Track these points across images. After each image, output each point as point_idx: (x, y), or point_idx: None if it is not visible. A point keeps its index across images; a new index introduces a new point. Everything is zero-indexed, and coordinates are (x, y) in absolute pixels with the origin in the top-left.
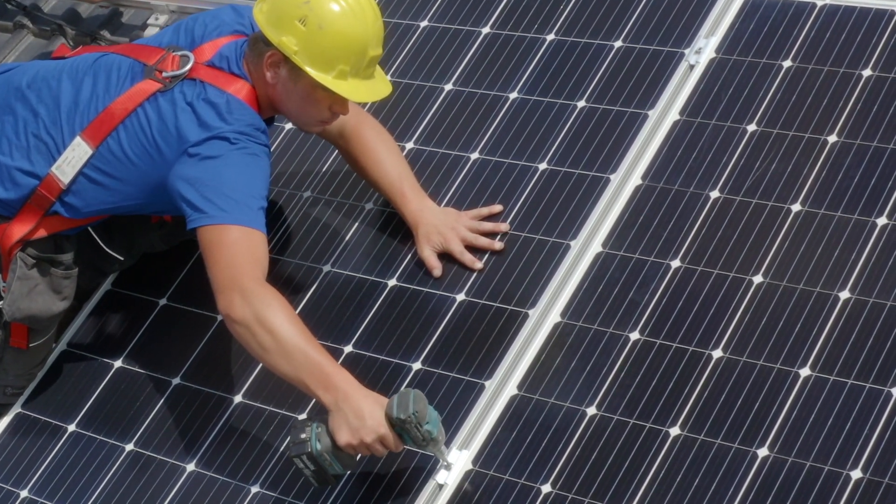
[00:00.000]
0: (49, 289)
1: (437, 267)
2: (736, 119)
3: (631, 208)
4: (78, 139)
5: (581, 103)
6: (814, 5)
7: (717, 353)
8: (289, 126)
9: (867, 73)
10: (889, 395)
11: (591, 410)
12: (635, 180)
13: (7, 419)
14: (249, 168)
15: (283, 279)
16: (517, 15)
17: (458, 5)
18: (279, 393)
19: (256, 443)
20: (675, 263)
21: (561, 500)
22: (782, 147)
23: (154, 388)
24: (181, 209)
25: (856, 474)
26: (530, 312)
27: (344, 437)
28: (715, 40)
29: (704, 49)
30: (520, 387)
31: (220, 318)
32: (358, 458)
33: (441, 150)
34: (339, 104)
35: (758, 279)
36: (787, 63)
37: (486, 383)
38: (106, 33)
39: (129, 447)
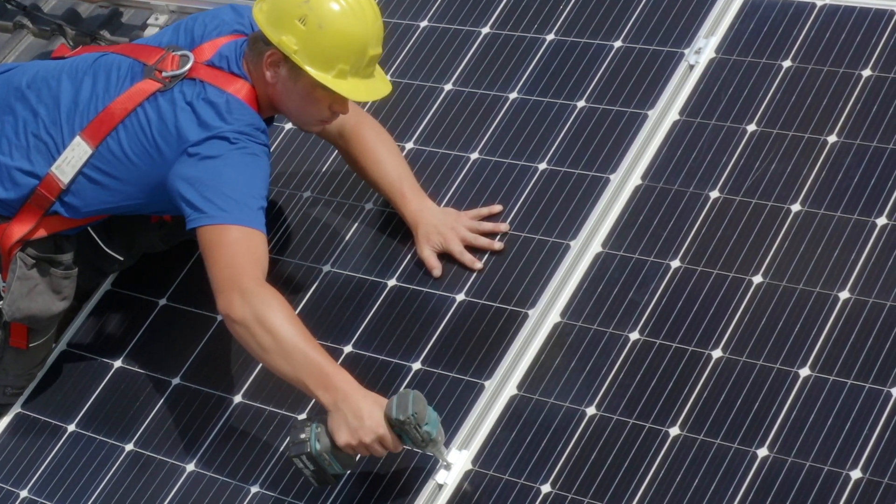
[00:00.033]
0: (49, 289)
1: (436, 267)
2: (736, 119)
3: (631, 208)
4: (78, 139)
5: (581, 103)
6: (813, 5)
7: (716, 353)
8: (289, 126)
9: (867, 73)
10: (889, 395)
11: (591, 410)
12: (635, 180)
13: (7, 419)
14: (249, 168)
15: (283, 279)
16: (517, 15)
17: (458, 5)
18: (279, 393)
19: (256, 443)
20: (675, 263)
21: (560, 500)
22: (782, 147)
23: (154, 388)
24: (181, 209)
25: (855, 474)
26: (530, 312)
27: (343, 438)
28: (715, 40)
29: (704, 49)
30: (519, 387)
31: (219, 318)
32: (357, 458)
33: (441, 150)
34: (338, 103)
35: (757, 279)
36: (786, 63)
37: (486, 383)
38: (106, 33)
39: (129, 447)
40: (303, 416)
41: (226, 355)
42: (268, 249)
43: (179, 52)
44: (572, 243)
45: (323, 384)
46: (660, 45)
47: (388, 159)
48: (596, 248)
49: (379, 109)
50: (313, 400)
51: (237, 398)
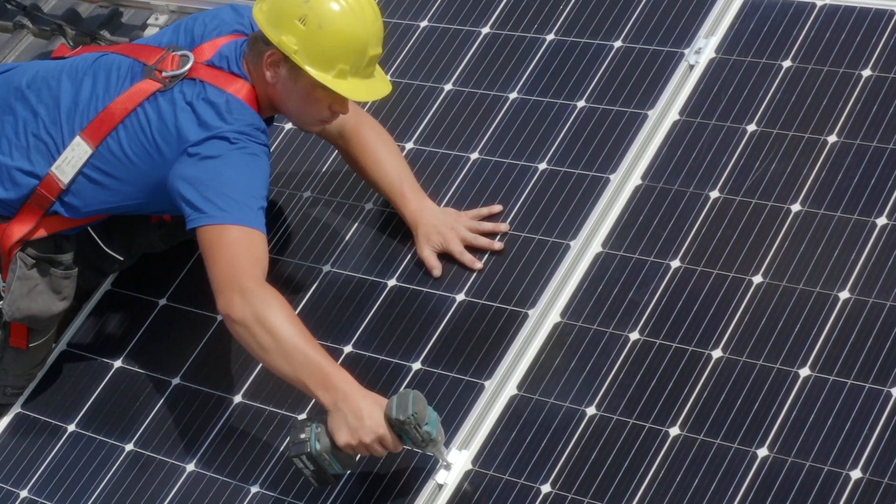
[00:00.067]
0: (49, 289)
1: (436, 267)
2: (736, 119)
3: (631, 208)
4: (78, 139)
5: (581, 103)
6: (813, 5)
7: (716, 353)
8: (289, 126)
9: (867, 73)
10: (889, 395)
11: (591, 410)
12: (635, 180)
13: (7, 419)
14: (249, 168)
15: (283, 279)
16: (517, 15)
17: (458, 5)
18: (279, 393)
19: (256, 443)
20: (675, 263)
21: (560, 499)
22: (782, 147)
23: (154, 388)
24: (181, 209)
25: (855, 474)
26: (530, 312)
27: (343, 438)
28: (715, 40)
29: (704, 49)
30: (519, 387)
31: (219, 318)
32: (357, 458)
33: (441, 150)
34: (338, 103)
35: (757, 279)
36: (786, 63)
37: (486, 383)
38: (106, 33)
39: (129, 447)
40: (303, 416)
41: (226, 355)
42: (268, 249)
43: (179, 52)
44: (572, 243)
45: (323, 384)
46: (660, 45)
47: (388, 159)
48: (596, 248)
49: (379, 109)
50: (313, 400)
51: (237, 398)
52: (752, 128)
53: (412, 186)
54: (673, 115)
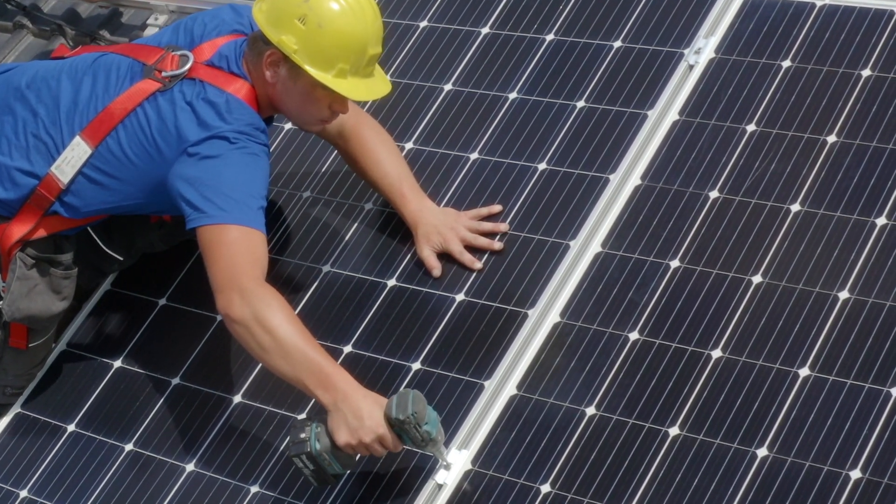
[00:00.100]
0: (48, 289)
1: (436, 267)
2: (735, 119)
3: (630, 208)
4: (77, 139)
5: (580, 103)
6: (813, 5)
7: (716, 353)
8: (288, 126)
9: (866, 73)
10: (888, 395)
11: (591, 410)
12: (634, 180)
13: (7, 419)
14: (249, 167)
15: (283, 279)
16: (517, 15)
17: (458, 5)
18: (278, 393)
19: (256, 443)
20: (675, 263)
21: (560, 499)
22: (781, 147)
23: (153, 388)
24: (181, 209)
25: (855, 474)
26: (529, 312)
27: (343, 437)
28: (714, 40)
29: (704, 49)
30: (519, 387)
31: (219, 318)
32: (357, 457)
33: (440, 150)
34: (338, 103)
35: (757, 279)
36: (786, 63)
37: (486, 383)
38: (105, 33)
39: (129, 447)
40: (302, 416)
41: (225, 355)
42: (267, 249)
43: (179, 52)
44: (572, 243)
45: (323, 384)
46: (659, 45)
47: (387, 159)
48: (595, 248)
49: (379, 109)
50: (313, 400)
51: (237, 398)
52: (751, 128)
53: (412, 186)
54: (672, 115)
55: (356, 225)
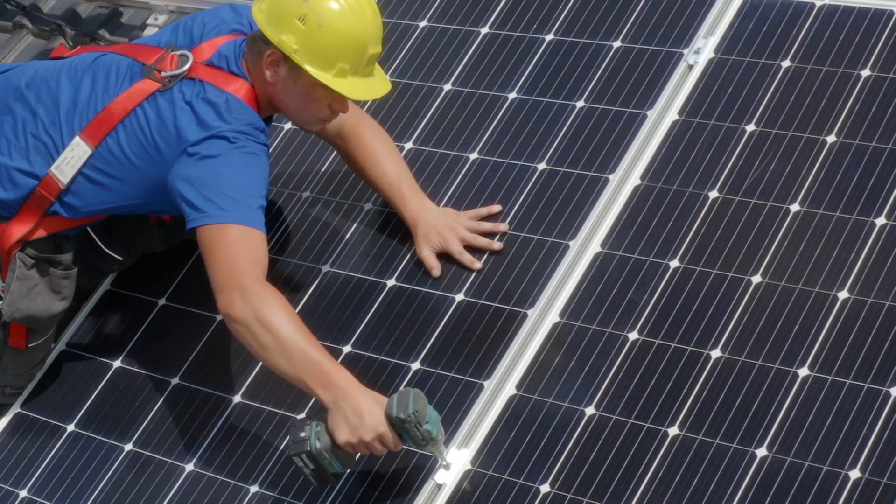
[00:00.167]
0: (48, 289)
1: (435, 267)
2: (735, 119)
3: (630, 208)
4: (77, 139)
5: (580, 103)
6: (812, 5)
7: (715, 353)
8: (288, 126)
9: (866, 72)
10: (888, 394)
11: (590, 410)
12: (634, 180)
13: (6, 419)
14: (249, 167)
15: (283, 279)
16: (516, 15)
17: (458, 5)
18: (278, 392)
19: (255, 442)
20: (674, 263)
21: (559, 499)
22: (781, 147)
23: (153, 388)
24: (181, 209)
25: (854, 474)
26: (529, 312)
27: (343, 436)
28: (714, 40)
29: (703, 49)
30: (518, 387)
31: (219, 317)
32: (357, 457)
33: (440, 150)
34: (338, 102)
35: (756, 279)
36: (785, 63)
37: (485, 383)
38: (105, 33)
39: (129, 447)
40: (302, 416)
41: (225, 355)
42: (267, 248)
43: (178, 52)
44: (571, 243)
45: (323, 382)
46: (659, 45)
47: (387, 159)
48: (595, 247)
49: (378, 109)
50: (313, 399)
51: (236, 398)
52: (751, 128)
53: (411, 186)
54: (672, 115)
55: (356, 225)
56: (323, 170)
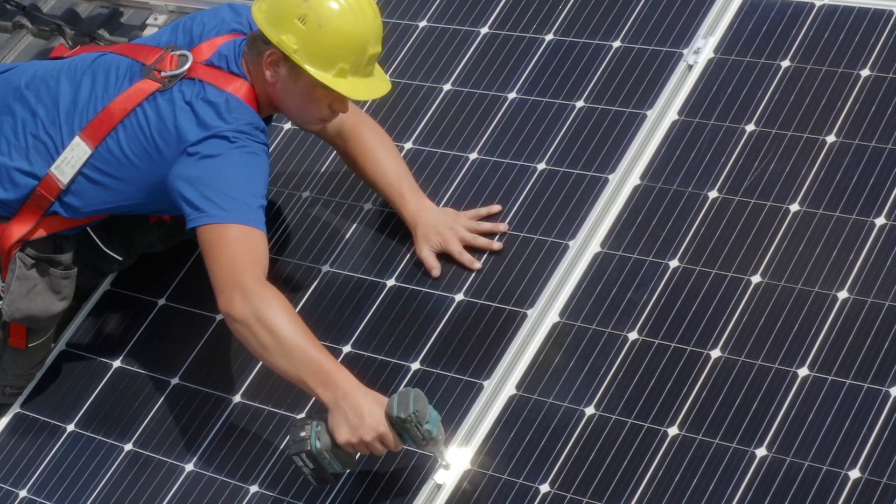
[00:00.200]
0: (48, 289)
1: (435, 267)
2: (734, 119)
3: (629, 208)
4: (77, 139)
5: (580, 103)
6: (812, 5)
7: (715, 353)
8: (288, 126)
9: (865, 72)
10: (887, 394)
11: (590, 410)
12: (634, 180)
13: (6, 419)
14: (249, 167)
15: (282, 279)
16: (516, 15)
17: (457, 5)
18: (278, 392)
19: (255, 442)
20: (674, 263)
21: (559, 499)
22: (781, 147)
23: (153, 388)
24: (181, 208)
25: (854, 474)
26: (529, 312)
27: (343, 436)
28: (713, 40)
29: (703, 49)
30: (518, 386)
31: (218, 317)
32: (357, 457)
33: (440, 150)
34: (338, 102)
35: (756, 279)
36: (785, 63)
37: (485, 383)
38: (105, 33)
39: (128, 447)
40: (302, 415)
41: (225, 355)
42: (268, 248)
43: (178, 52)
44: (571, 243)
45: (323, 382)
46: (658, 45)
47: (386, 159)
48: (595, 247)
49: (378, 109)
50: (313, 399)
51: (236, 398)
52: (750, 128)
53: (411, 186)
54: (672, 115)
55: (356, 225)
56: (323, 170)
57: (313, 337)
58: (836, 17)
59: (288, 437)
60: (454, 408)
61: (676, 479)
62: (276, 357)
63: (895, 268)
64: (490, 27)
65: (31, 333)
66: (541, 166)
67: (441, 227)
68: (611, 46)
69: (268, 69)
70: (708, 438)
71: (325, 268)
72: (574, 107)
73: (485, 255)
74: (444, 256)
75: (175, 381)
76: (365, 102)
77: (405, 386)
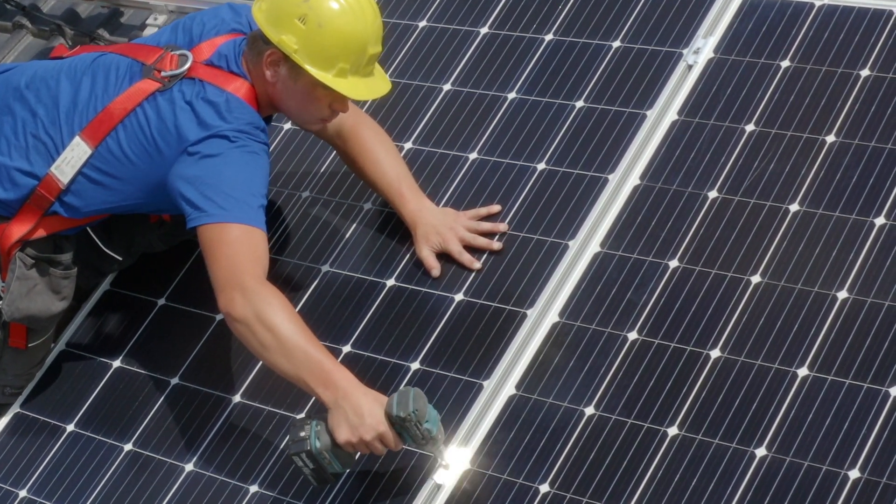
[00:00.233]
0: (48, 289)
1: (435, 267)
2: (734, 119)
3: (629, 208)
4: (77, 139)
5: (579, 103)
6: (812, 5)
7: (715, 353)
8: (288, 126)
9: (865, 72)
10: (887, 394)
11: (590, 410)
12: (633, 180)
13: (6, 419)
14: (249, 166)
15: (282, 279)
16: (516, 15)
17: (457, 5)
18: (278, 392)
19: (255, 442)
20: (674, 263)
21: (559, 499)
22: (780, 147)
23: (153, 388)
24: (181, 208)
25: (854, 474)
26: (528, 312)
27: (343, 435)
28: (713, 40)
29: (703, 49)
30: (518, 386)
31: (218, 317)
32: (357, 456)
33: (439, 150)
34: (338, 102)
35: (756, 279)
36: (785, 63)
37: (485, 383)
38: (105, 33)
39: (128, 447)
40: (302, 415)
41: (225, 355)
42: (268, 247)
43: (178, 52)
44: (571, 243)
45: (323, 381)
46: (658, 45)
47: (386, 159)
48: (594, 247)
49: (378, 109)
50: (313, 399)
51: (236, 398)
52: (750, 128)
53: (410, 186)
54: (671, 115)
55: (355, 225)
56: (323, 170)
57: (313, 336)
58: (835, 17)
59: (288, 437)
60: (454, 408)
61: (676, 479)
62: (277, 357)
63: (895, 268)
64: (490, 27)
65: (30, 333)
66: (540, 166)
67: (441, 227)
68: (610, 46)
69: (268, 69)
70: (708, 438)
71: (325, 268)
72: (574, 107)
73: (485, 255)
74: (444, 256)
75: (175, 380)
76: (365, 102)
77: (405, 385)
